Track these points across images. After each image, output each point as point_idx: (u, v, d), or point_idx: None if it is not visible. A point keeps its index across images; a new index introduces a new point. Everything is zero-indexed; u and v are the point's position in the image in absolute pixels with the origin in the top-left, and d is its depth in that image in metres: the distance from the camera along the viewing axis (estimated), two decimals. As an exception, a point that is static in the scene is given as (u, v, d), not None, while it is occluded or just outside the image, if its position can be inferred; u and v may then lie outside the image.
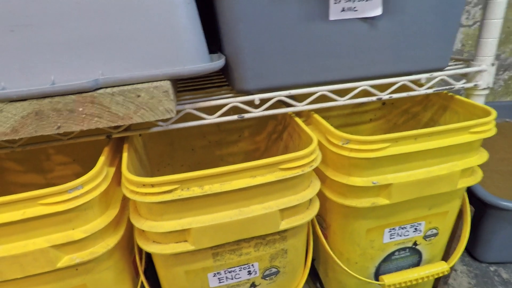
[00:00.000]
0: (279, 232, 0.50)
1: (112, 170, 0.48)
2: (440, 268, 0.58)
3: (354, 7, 0.50)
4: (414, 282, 0.58)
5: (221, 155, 0.78)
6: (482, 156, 0.54)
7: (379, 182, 0.50)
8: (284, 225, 0.49)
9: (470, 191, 0.72)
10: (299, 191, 0.49)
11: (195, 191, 0.43)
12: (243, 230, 0.47)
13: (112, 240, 0.46)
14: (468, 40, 1.19)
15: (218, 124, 0.73)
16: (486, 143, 0.93)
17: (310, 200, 0.51)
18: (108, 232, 0.46)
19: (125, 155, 0.47)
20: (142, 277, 0.51)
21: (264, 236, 0.50)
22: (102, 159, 0.46)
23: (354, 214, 0.54)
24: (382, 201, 0.52)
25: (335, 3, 0.49)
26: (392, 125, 0.79)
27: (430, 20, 0.53)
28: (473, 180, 0.55)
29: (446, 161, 0.52)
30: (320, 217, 0.61)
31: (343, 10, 0.50)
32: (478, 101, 0.61)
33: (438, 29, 0.54)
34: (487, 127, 0.51)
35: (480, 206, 0.71)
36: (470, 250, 0.80)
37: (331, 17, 0.50)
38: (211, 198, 0.44)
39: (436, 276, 0.58)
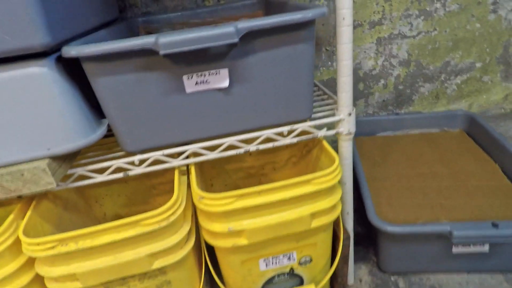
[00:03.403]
0: (157, 269, 0.62)
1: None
2: (308, 291, 0.68)
3: (207, 80, 0.59)
4: (286, 304, 0.68)
5: (152, 184, 0.90)
6: (333, 199, 0.63)
7: (234, 228, 0.60)
8: (156, 264, 0.60)
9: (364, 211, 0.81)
10: (168, 237, 0.60)
11: (71, 246, 0.56)
12: (119, 271, 0.59)
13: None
14: (414, 50, 1.23)
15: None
16: (416, 153, 1.00)
17: (188, 240, 0.62)
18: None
19: (25, 218, 0.60)
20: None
21: (145, 273, 0.62)
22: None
23: (228, 251, 0.65)
24: (242, 241, 0.62)
25: (188, 79, 0.59)
26: (305, 151, 0.88)
27: (280, 83, 0.61)
28: (329, 218, 0.64)
29: (296, 207, 0.62)
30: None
31: (196, 83, 0.59)
32: (346, 144, 0.68)
33: (290, 90, 0.62)
34: (329, 177, 0.60)
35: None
36: (377, 262, 0.89)
37: (188, 90, 0.59)
38: (89, 250, 0.56)
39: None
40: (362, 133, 1.18)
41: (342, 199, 0.75)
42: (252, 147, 0.65)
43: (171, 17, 0.90)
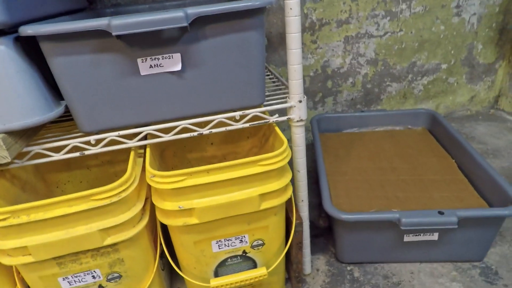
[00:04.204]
0: (109, 245, 0.64)
1: None
2: (259, 273, 0.70)
3: (160, 64, 0.62)
4: (236, 284, 0.70)
5: (115, 171, 0.91)
6: (282, 182, 0.65)
7: (184, 206, 0.62)
8: (109, 240, 0.62)
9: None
10: (120, 213, 0.62)
11: (23, 218, 0.57)
12: (71, 246, 0.60)
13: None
14: (381, 49, 1.27)
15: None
16: (379, 149, 1.03)
17: (141, 219, 0.65)
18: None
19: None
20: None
21: (97, 249, 0.64)
22: None
23: (180, 230, 0.67)
24: (193, 220, 0.64)
25: (142, 62, 0.61)
26: (264, 141, 0.90)
27: (231, 69, 0.64)
28: (278, 201, 0.66)
29: (245, 188, 0.64)
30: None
31: (151, 66, 0.61)
32: (298, 131, 0.71)
33: (242, 75, 0.64)
34: (275, 159, 0.62)
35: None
36: (335, 253, 0.91)
37: (142, 73, 0.61)
38: (41, 223, 0.58)
39: (254, 280, 0.70)
40: (328, 130, 1.21)
41: (297, 187, 0.78)
42: (205, 131, 0.68)
43: (139, 9, 0.93)
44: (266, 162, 0.62)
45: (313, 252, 0.94)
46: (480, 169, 0.90)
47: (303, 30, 1.19)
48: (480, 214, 0.75)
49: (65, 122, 0.75)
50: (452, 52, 1.33)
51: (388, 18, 1.22)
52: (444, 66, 1.35)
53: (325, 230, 1.01)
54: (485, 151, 1.24)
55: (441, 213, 0.75)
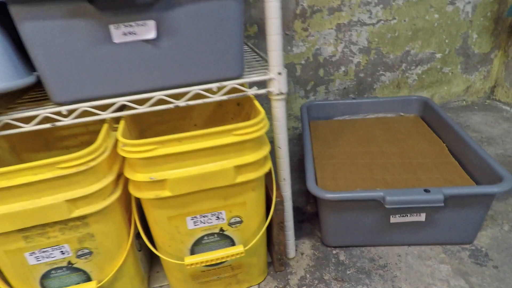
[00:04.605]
0: (78, 219, 0.62)
1: None
2: (236, 250, 0.68)
3: (134, 31, 0.60)
4: (212, 262, 0.68)
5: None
6: (259, 154, 0.63)
7: (156, 178, 0.60)
8: (77, 213, 0.60)
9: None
10: (89, 184, 0.60)
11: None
12: (37, 217, 0.58)
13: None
14: (374, 38, 1.25)
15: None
16: (369, 135, 1.01)
17: (113, 192, 0.63)
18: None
19: None
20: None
21: (65, 222, 0.61)
22: None
23: (152, 204, 0.65)
24: (165, 193, 0.62)
25: (116, 28, 0.59)
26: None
27: (208, 39, 0.62)
28: (255, 174, 0.64)
29: (219, 159, 0.62)
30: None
31: (124, 34, 0.60)
32: (278, 105, 0.69)
33: (219, 45, 0.63)
34: (251, 129, 0.60)
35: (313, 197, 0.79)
36: (321, 237, 0.89)
37: (115, 40, 0.60)
38: (5, 191, 0.56)
39: (231, 258, 0.68)
40: (318, 117, 1.19)
41: (278, 164, 0.75)
42: (181, 103, 0.66)
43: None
44: (241, 132, 0.60)
45: (299, 237, 0.92)
46: (469, 150, 0.87)
47: (294, 17, 1.17)
48: (467, 192, 0.73)
49: (41, 96, 0.74)
50: (447, 41, 1.31)
51: (381, 6, 1.20)
52: (438, 55, 1.33)
53: (312, 216, 0.98)
54: (479, 139, 1.21)
55: (427, 191, 0.73)
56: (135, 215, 0.69)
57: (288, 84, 1.24)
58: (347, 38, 1.24)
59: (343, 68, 1.28)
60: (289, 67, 1.24)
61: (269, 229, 0.80)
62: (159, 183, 0.62)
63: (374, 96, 1.27)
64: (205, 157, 0.61)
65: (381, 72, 1.31)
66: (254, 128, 0.61)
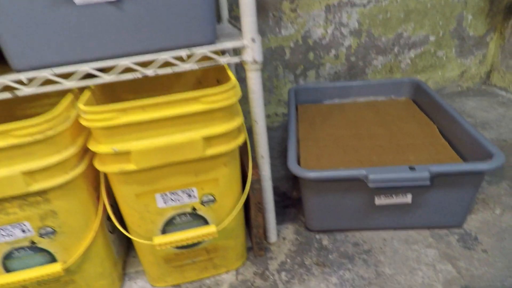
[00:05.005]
0: (38, 194, 0.58)
1: None
2: (208, 230, 0.64)
3: (95, -8, 0.56)
4: (183, 243, 0.64)
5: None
6: (229, 125, 0.59)
7: (119, 149, 0.56)
8: (35, 186, 0.56)
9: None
10: (47, 155, 0.56)
11: None
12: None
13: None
14: (365, 19, 1.21)
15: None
16: (357, 118, 0.96)
17: (76, 166, 0.59)
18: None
19: None
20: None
21: (24, 197, 0.58)
22: None
23: (118, 179, 0.61)
24: (130, 166, 0.58)
25: (75, -11, 0.55)
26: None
27: (178, 2, 0.58)
28: (226, 147, 0.60)
29: (187, 129, 0.58)
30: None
31: (85, -5, 0.56)
32: (253, 75, 0.65)
33: (189, 10, 0.59)
34: (220, 97, 0.56)
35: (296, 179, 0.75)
36: (305, 221, 0.85)
37: (77, 2, 0.56)
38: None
39: (203, 238, 0.64)
40: (308, 101, 1.15)
41: (255, 141, 0.71)
42: (149, 71, 0.62)
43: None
44: (210, 99, 0.56)
45: (282, 222, 0.88)
46: (459, 129, 0.83)
47: (282, -3, 1.13)
48: (454, 170, 0.68)
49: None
50: (440, 23, 1.26)
51: (371, -16, 1.16)
52: (432, 38, 1.28)
53: (298, 202, 0.94)
54: (473, 124, 1.17)
55: (412, 168, 0.69)
56: (103, 193, 0.65)
57: (277, 68, 1.20)
58: (337, 19, 1.19)
59: (333, 52, 1.24)
60: (278, 50, 1.20)
61: (248, 212, 0.76)
62: (124, 156, 0.58)
63: (365, 79, 1.23)
64: (172, 127, 0.57)
65: (373, 56, 1.27)
66: (223, 95, 0.57)
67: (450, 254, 0.73)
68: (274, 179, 1.03)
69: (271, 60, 1.22)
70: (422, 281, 0.69)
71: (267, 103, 1.30)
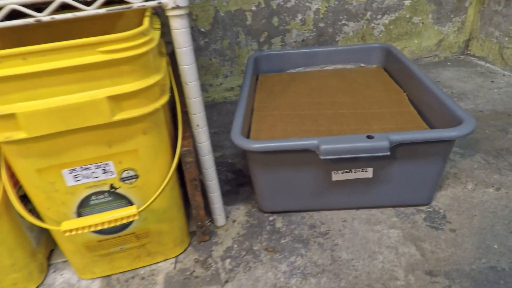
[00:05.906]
0: None
1: None
2: (126, 212, 0.53)
3: None
4: (98, 227, 0.53)
5: None
6: (142, 83, 0.48)
7: (2, 112, 0.45)
8: None
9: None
10: None
11: None
12: None
13: None
14: (334, -20, 1.09)
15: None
16: (321, 86, 0.86)
17: None
18: None
19: None
20: None
21: None
22: None
23: (11, 151, 0.49)
24: (20, 134, 0.47)
25: None
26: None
27: None
28: (140, 111, 0.49)
29: (88, 88, 0.47)
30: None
31: None
32: (176, 24, 0.54)
33: None
34: (124, 45, 0.45)
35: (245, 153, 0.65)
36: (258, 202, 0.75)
37: None
38: None
39: (122, 221, 0.53)
40: (270, 70, 1.04)
41: (188, 106, 0.60)
42: (44, 17, 0.50)
43: None
44: (111, 47, 0.45)
45: (234, 202, 0.78)
46: (429, 95, 0.73)
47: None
48: (419, 137, 0.59)
49: None
50: (416, -15, 1.16)
51: None
52: (407, 2, 1.17)
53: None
54: (450, 96, 1.08)
55: (370, 137, 0.59)
56: (2, 170, 0.54)
57: (238, 35, 1.09)
58: (302, -21, 1.08)
59: (300, 16, 1.13)
60: (238, 14, 1.08)
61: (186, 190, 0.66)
62: (10, 120, 0.46)
63: (332, 45, 1.12)
64: (67, 84, 0.46)
65: (343, 22, 1.16)
66: (130, 43, 0.46)
67: (415, 235, 0.64)
68: (232, 156, 0.93)
69: (232, 25, 1.10)
70: (382, 266, 0.60)
71: (229, 74, 1.18)
